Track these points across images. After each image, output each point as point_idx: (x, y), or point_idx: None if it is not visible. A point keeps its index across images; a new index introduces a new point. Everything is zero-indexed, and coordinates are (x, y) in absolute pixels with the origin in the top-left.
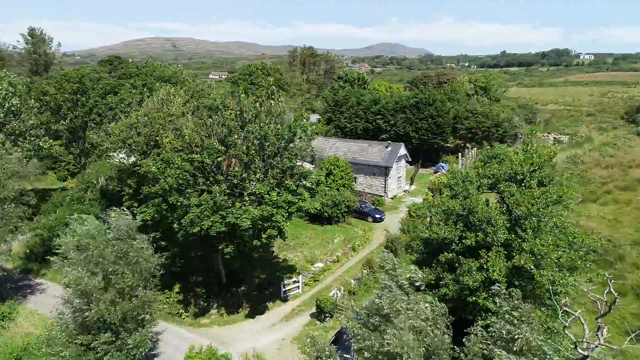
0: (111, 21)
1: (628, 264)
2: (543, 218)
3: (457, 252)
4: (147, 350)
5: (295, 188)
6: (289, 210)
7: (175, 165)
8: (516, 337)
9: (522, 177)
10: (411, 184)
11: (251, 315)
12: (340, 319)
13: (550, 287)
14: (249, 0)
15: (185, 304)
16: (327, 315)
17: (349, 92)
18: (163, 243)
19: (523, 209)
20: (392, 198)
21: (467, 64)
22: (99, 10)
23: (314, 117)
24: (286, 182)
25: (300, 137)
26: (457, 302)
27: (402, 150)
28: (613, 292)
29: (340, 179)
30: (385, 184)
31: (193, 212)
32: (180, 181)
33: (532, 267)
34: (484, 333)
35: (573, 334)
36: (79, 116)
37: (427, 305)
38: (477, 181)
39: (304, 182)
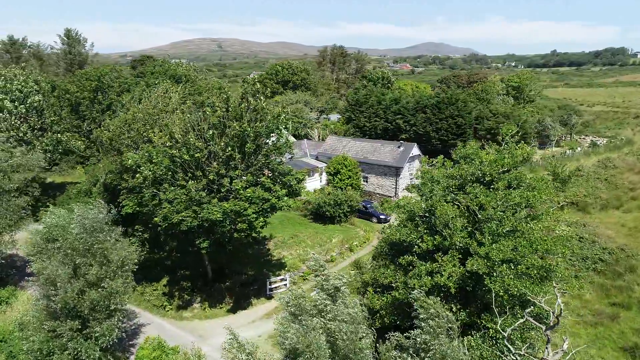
0: (162, 23)
1: (639, 275)
2: (503, 222)
3: (419, 255)
4: (125, 342)
5: (272, 185)
6: (263, 207)
7: (154, 160)
8: (430, 347)
9: (490, 178)
10: None
11: (233, 310)
12: None
13: (504, 295)
14: (293, 2)
15: (171, 297)
16: None
17: (370, 91)
18: (146, 235)
19: (483, 212)
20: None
21: (513, 64)
22: (151, 12)
23: (335, 117)
24: (262, 179)
25: (280, 135)
26: (406, 306)
27: (416, 151)
28: (561, 304)
29: (347, 178)
30: (396, 185)
31: (165, 207)
32: (157, 176)
33: (484, 273)
34: (403, 341)
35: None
36: (96, 113)
37: (348, 309)
38: (444, 182)
39: (284, 180)
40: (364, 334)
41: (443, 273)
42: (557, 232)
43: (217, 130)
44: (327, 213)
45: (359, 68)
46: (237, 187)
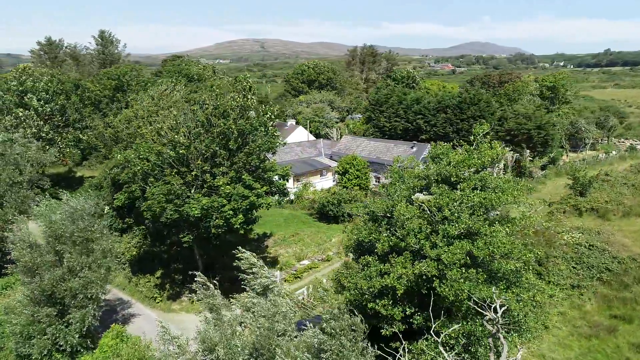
0: (209, 24)
1: None
2: (457, 224)
3: (379, 256)
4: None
5: (253, 182)
6: (242, 204)
7: (141, 156)
8: (326, 348)
9: (455, 179)
10: None
11: None
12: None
13: (454, 299)
14: (337, 1)
15: (162, 289)
16: None
17: (392, 90)
18: (141, 227)
19: (439, 214)
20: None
21: (562, 63)
22: (198, 14)
23: (358, 116)
24: (243, 176)
25: (266, 132)
26: (359, 308)
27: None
28: (499, 309)
29: (355, 178)
30: None
31: (149, 200)
32: (145, 170)
33: (434, 275)
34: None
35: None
36: (116, 110)
37: (271, 305)
38: (410, 182)
39: (268, 177)
40: (288, 330)
41: (392, 274)
42: (565, 239)
43: (203, 127)
44: (330, 212)
45: (389, 68)
46: (219, 184)
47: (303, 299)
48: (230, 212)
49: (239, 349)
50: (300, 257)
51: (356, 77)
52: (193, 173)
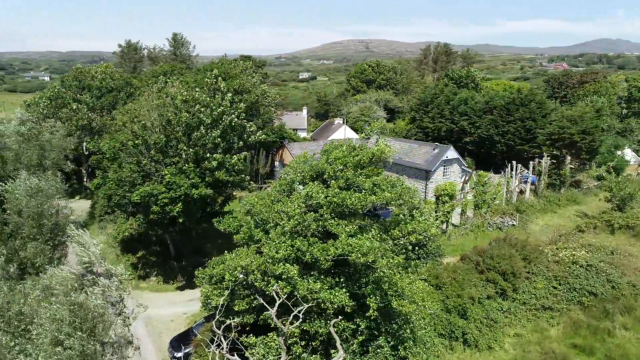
0: (316, 26)
1: (634, 318)
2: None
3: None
4: None
5: (192, 173)
6: (190, 193)
7: (109, 146)
8: None
9: (327, 176)
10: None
11: (181, 288)
12: None
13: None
14: (449, 1)
15: (135, 269)
16: None
17: (440, 90)
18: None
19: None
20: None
21: None
22: (306, 16)
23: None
24: (184, 167)
25: (232, 127)
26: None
27: (452, 154)
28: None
29: None
30: (426, 189)
31: (106, 185)
32: (110, 158)
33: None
34: None
35: None
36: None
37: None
38: (293, 176)
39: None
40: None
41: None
42: (560, 256)
43: (160, 120)
44: None
45: (465, 67)
46: (164, 173)
47: None
48: (165, 199)
49: None
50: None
51: (428, 77)
52: (143, 162)
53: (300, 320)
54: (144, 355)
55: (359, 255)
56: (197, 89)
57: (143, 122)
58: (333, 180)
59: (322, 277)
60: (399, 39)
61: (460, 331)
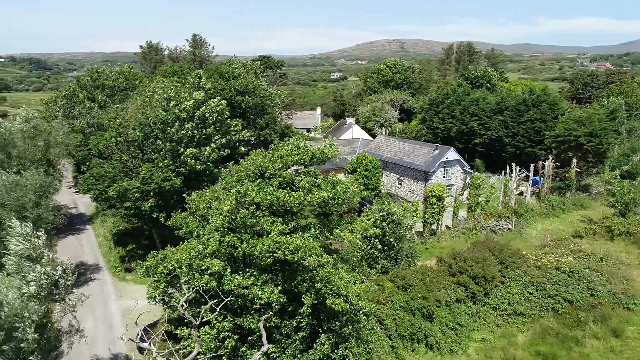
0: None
1: (608, 328)
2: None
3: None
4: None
5: (168, 169)
6: (162, 185)
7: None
8: None
9: (268, 174)
10: (461, 194)
11: None
12: None
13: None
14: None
15: (123, 261)
16: None
17: (452, 90)
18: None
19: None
20: None
21: None
22: (343, 14)
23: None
24: (160, 163)
25: (205, 119)
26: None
27: (452, 155)
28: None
29: (363, 177)
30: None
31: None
32: (97, 154)
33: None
34: None
35: None
36: None
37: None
38: (242, 173)
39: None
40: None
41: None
42: (542, 261)
43: (145, 120)
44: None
45: (490, 66)
46: (142, 169)
47: None
48: (137, 194)
49: None
50: None
51: (450, 77)
52: (123, 158)
53: (226, 314)
54: (116, 344)
55: (287, 253)
56: (178, 87)
57: (120, 120)
58: (273, 179)
59: (255, 273)
60: (435, 38)
61: (422, 333)
